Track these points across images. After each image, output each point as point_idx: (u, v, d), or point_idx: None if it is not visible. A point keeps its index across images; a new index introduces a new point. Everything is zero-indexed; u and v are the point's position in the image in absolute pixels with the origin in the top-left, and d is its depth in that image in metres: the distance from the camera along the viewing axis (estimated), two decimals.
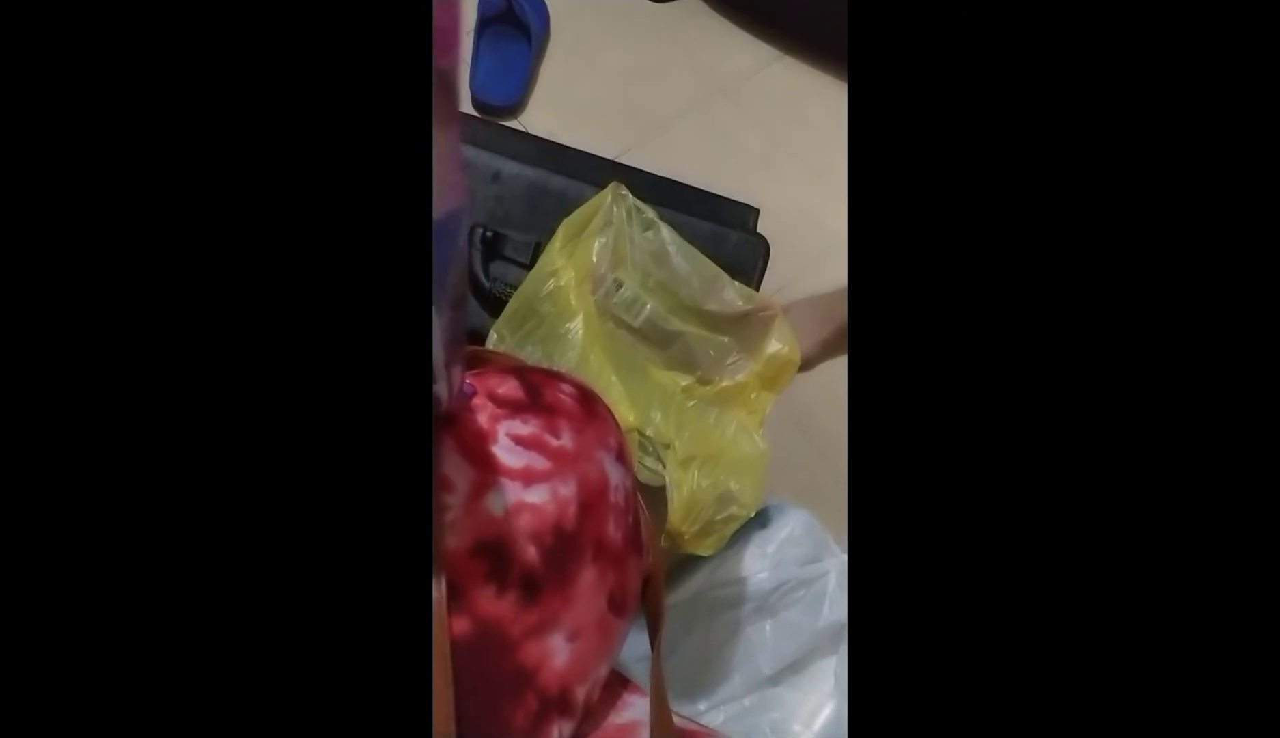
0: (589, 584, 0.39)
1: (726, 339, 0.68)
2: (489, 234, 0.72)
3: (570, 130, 0.85)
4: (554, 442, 0.39)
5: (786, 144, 1.18)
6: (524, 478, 0.38)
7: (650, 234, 0.66)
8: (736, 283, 0.67)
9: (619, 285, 0.66)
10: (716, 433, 0.66)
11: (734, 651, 0.74)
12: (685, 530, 0.63)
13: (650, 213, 0.67)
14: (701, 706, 0.73)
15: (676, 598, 0.74)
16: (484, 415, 0.39)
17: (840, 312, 0.68)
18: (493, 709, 0.36)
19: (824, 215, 1.07)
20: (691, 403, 0.67)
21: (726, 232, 0.76)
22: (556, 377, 0.43)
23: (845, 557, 0.75)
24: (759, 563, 0.75)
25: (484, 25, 1.13)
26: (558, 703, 0.38)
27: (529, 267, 0.69)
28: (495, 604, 0.36)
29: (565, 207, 0.68)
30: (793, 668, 0.74)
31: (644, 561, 0.44)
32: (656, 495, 0.62)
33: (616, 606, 0.41)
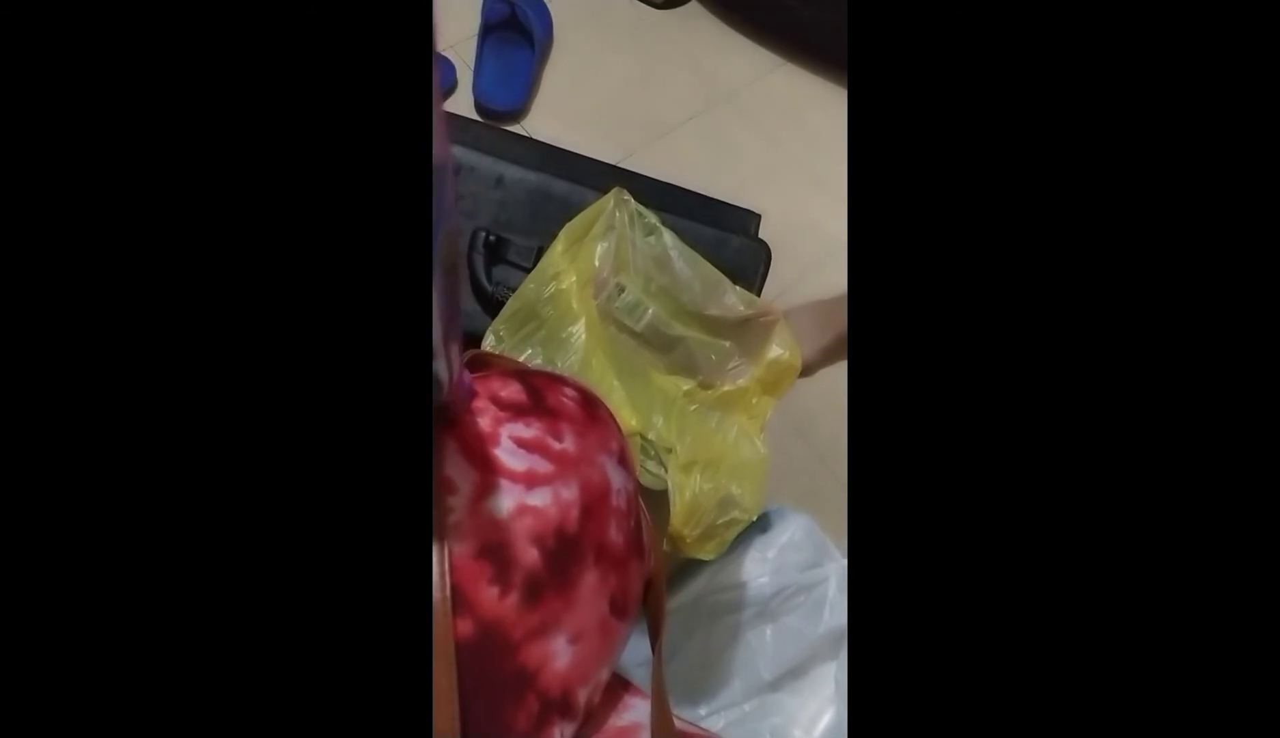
0: (591, 587, 0.39)
1: (728, 344, 0.68)
2: (492, 238, 0.72)
3: (572, 135, 0.86)
4: (556, 445, 0.40)
5: (787, 150, 1.18)
6: (526, 481, 0.38)
7: (652, 239, 0.67)
8: (738, 288, 0.67)
9: (621, 290, 0.66)
10: (718, 437, 0.66)
11: (734, 655, 0.74)
12: (687, 534, 0.63)
13: (652, 218, 0.67)
14: (702, 710, 0.73)
15: (677, 603, 0.74)
16: (486, 418, 0.40)
17: (841, 318, 0.68)
18: (495, 711, 0.36)
19: (825, 221, 1.08)
20: (693, 407, 0.67)
21: (728, 237, 0.76)
22: (559, 380, 0.44)
23: (846, 562, 0.75)
24: (760, 568, 0.75)
25: (487, 31, 1.14)
26: (559, 705, 0.38)
27: (531, 271, 0.69)
28: (497, 606, 0.36)
29: (568, 211, 0.68)
30: (793, 673, 0.74)
31: (645, 564, 0.44)
32: (658, 499, 0.62)
33: (618, 609, 0.41)
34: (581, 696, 0.40)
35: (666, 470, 0.63)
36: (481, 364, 0.45)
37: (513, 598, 0.36)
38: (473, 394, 0.40)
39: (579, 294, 0.66)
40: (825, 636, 0.73)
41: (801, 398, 0.73)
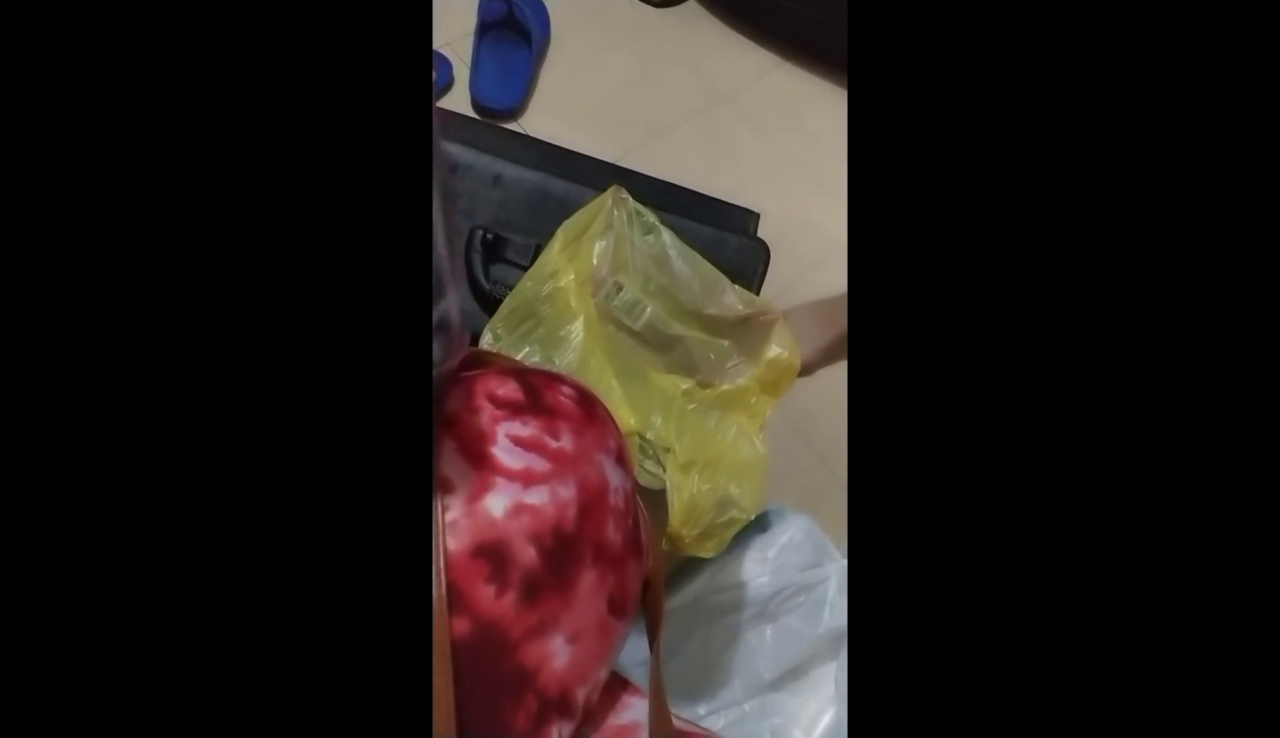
0: (589, 586, 0.39)
1: (727, 343, 0.68)
2: (490, 237, 0.72)
3: (571, 135, 0.86)
4: (554, 444, 0.40)
5: (786, 150, 1.18)
6: (523, 480, 0.38)
7: (651, 238, 0.66)
8: (737, 287, 0.67)
9: (619, 288, 0.66)
10: (717, 437, 0.66)
11: (734, 655, 0.74)
12: (686, 534, 0.63)
13: (651, 216, 0.67)
14: (702, 710, 0.73)
15: (676, 603, 0.74)
16: (484, 417, 0.39)
17: (840, 317, 0.68)
18: (493, 711, 0.36)
19: (823, 221, 1.08)
20: (692, 407, 0.67)
21: (727, 236, 0.76)
22: (557, 379, 0.44)
23: (845, 562, 0.74)
24: (759, 568, 0.75)
25: (484, 30, 1.14)
26: (558, 704, 0.38)
27: (529, 269, 0.69)
28: (495, 606, 0.36)
29: (567, 210, 0.68)
30: (793, 674, 0.74)
31: (644, 563, 0.44)
32: (657, 499, 0.62)
33: (616, 608, 0.41)
34: (580, 695, 0.39)
35: (665, 470, 0.63)
36: (479, 362, 0.45)
37: (510, 597, 0.36)
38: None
39: (577, 292, 0.65)
40: (825, 636, 0.73)
41: (801, 398, 0.73)
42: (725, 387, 0.68)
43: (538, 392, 0.42)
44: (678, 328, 0.66)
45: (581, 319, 0.65)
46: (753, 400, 0.68)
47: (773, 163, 1.16)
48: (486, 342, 0.64)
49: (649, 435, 0.64)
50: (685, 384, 0.68)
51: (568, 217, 0.67)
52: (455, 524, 0.36)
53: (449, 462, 0.37)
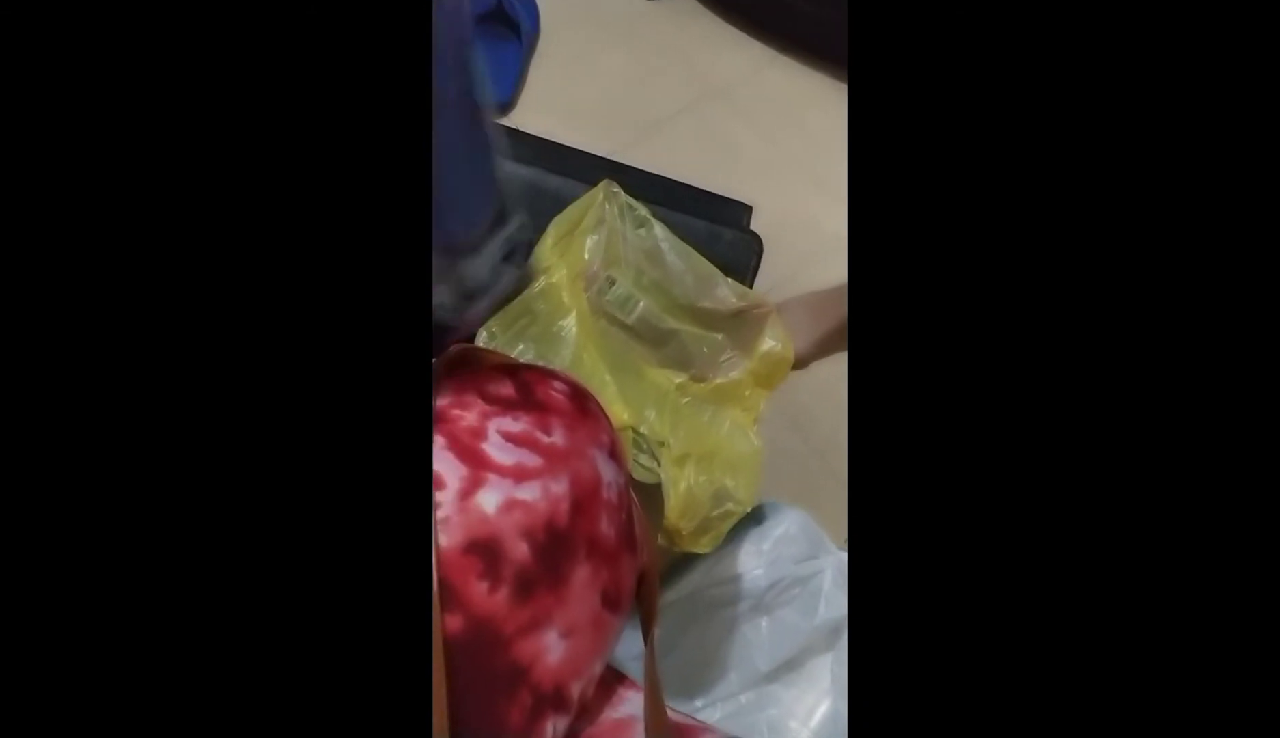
0: (582, 581, 0.39)
1: (720, 337, 0.68)
2: None
3: (562, 131, 0.85)
4: (545, 439, 0.39)
5: (782, 146, 1.18)
6: (515, 475, 0.38)
7: (643, 232, 0.66)
8: (730, 281, 0.67)
9: (612, 283, 0.66)
10: (711, 431, 0.66)
11: (730, 648, 0.74)
12: (682, 528, 0.63)
13: (643, 210, 0.67)
14: (698, 702, 0.73)
15: (673, 597, 0.74)
16: (475, 413, 0.39)
17: (834, 310, 0.68)
18: (487, 707, 0.36)
19: (817, 214, 1.07)
20: (686, 401, 0.67)
21: (720, 230, 0.76)
22: (548, 374, 0.43)
23: (841, 555, 0.75)
24: (754, 561, 0.75)
25: (474, 24, 1.13)
26: (552, 699, 0.38)
27: None
28: (488, 602, 0.36)
29: (561, 206, 0.68)
30: (789, 666, 0.74)
31: (638, 558, 0.44)
32: (652, 493, 0.62)
33: (610, 602, 0.41)
34: (575, 690, 0.39)
35: (659, 464, 0.63)
36: (470, 359, 0.44)
37: (503, 593, 0.36)
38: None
39: (570, 288, 0.65)
40: (821, 628, 0.73)
41: (795, 392, 0.73)
42: (719, 380, 0.68)
43: (529, 387, 0.42)
44: (671, 322, 0.67)
45: (574, 315, 0.66)
46: (747, 394, 0.69)
47: (768, 158, 1.16)
48: (482, 340, 0.64)
49: (643, 430, 0.64)
50: (679, 378, 0.68)
51: (561, 212, 0.67)
52: (447, 521, 0.36)
53: (440, 458, 0.37)
